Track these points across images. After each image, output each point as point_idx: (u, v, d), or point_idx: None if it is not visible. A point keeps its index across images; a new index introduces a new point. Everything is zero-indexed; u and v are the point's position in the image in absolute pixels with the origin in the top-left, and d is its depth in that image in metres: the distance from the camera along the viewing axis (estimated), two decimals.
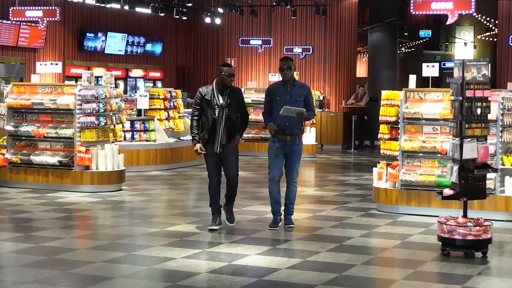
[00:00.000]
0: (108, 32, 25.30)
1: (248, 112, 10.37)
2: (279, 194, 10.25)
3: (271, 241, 9.45)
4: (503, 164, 11.11)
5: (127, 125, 17.08)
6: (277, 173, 10.14)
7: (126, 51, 26.19)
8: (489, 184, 10.46)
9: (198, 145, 9.95)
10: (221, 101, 9.86)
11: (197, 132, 9.97)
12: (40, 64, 15.71)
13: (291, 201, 10.31)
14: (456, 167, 8.64)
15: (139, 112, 18.57)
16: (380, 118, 12.00)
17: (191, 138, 10.17)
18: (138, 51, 26.77)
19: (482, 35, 42.21)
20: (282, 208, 10.35)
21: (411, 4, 19.04)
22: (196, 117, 10.00)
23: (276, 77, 24.01)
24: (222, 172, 10.17)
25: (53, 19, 20.95)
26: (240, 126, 10.07)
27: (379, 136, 12.06)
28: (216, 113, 9.84)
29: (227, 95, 9.90)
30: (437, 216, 9.25)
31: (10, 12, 20.97)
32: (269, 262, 8.32)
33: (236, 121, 9.95)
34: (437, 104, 11.61)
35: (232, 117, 9.89)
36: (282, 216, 10.32)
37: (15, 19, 21.13)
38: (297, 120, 10.02)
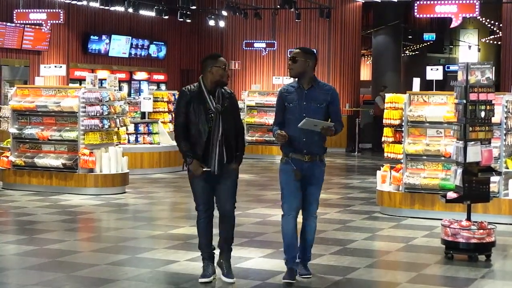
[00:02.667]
0: (112, 35, 25.35)
1: (243, 126, 7.87)
2: (295, 235, 7.58)
3: (275, 244, 9.44)
4: (507, 167, 11.10)
5: (131, 128, 17.10)
6: (294, 205, 7.47)
7: (130, 53, 26.23)
8: (493, 187, 10.44)
9: (197, 163, 7.31)
10: (215, 104, 7.32)
11: (187, 147, 7.34)
12: (44, 67, 15.72)
13: (309, 242, 7.71)
14: (460, 170, 8.63)
15: (143, 114, 18.60)
16: (384, 121, 11.99)
17: (182, 152, 7.44)
18: (142, 54, 26.80)
19: (486, 38, 42.20)
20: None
21: (415, 7, 19.07)
22: (183, 126, 7.36)
23: (280, 80, 24.05)
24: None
25: (57, 21, 20.99)
26: (240, 144, 7.58)
27: (383, 139, 12.05)
28: (214, 121, 7.32)
29: (219, 97, 7.40)
30: (441, 219, 9.24)
31: (14, 14, 21.01)
32: (273, 265, 8.32)
33: (233, 131, 7.45)
34: (441, 107, 11.60)
35: (230, 125, 7.39)
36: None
37: (19, 21, 21.18)
38: (319, 135, 7.37)
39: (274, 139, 7.71)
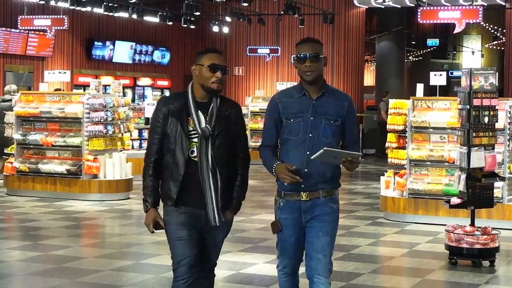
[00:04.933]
0: (116, 41, 25.39)
1: (248, 151, 5.38)
2: None
3: None
4: (510, 173, 11.10)
5: (135, 134, 17.13)
6: (291, 261, 5.44)
7: (134, 59, 26.27)
8: (497, 192, 10.45)
9: (152, 215, 5.12)
10: (203, 124, 5.04)
11: (150, 186, 5.12)
12: (49, 73, 15.75)
13: None
14: (463, 176, 8.64)
15: (147, 120, 18.61)
16: (387, 127, 12.00)
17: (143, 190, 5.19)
18: (146, 60, 26.84)
19: (489, 44, 42.20)
20: None
21: (419, 13, 19.09)
22: (154, 156, 5.13)
23: (284, 86, 24.07)
24: None
25: (61, 27, 21.02)
26: (239, 182, 5.23)
27: (386, 145, 12.06)
28: (195, 148, 5.05)
29: (213, 114, 5.09)
30: (445, 225, 9.25)
31: (19, 21, 21.05)
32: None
33: (229, 163, 5.14)
34: (445, 112, 11.61)
35: (224, 155, 5.08)
36: None
37: (23, 28, 21.22)
38: (332, 166, 5.22)
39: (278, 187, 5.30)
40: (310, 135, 5.14)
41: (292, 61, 5.37)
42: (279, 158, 5.22)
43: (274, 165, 5.13)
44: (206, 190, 5.02)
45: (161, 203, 5.16)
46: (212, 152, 5.01)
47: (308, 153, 5.08)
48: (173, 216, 5.10)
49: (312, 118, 5.15)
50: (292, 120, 5.17)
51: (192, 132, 5.01)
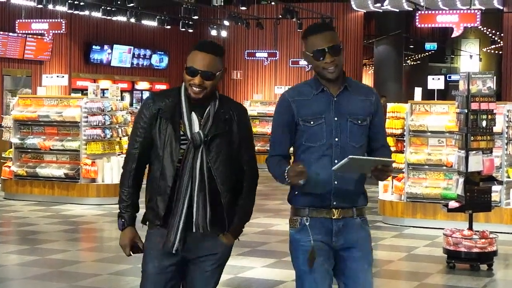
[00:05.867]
0: (114, 45, 25.39)
1: (256, 165, 4.41)
2: None
3: (277, 253, 9.45)
4: (508, 177, 11.11)
5: None
6: None
7: (132, 63, 26.27)
8: (495, 196, 10.46)
9: (129, 235, 4.38)
10: (195, 128, 4.13)
11: (128, 199, 4.35)
12: (46, 77, 15.76)
13: None
14: (461, 180, 8.64)
15: None
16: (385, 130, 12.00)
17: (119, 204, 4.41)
18: (144, 64, 26.85)
19: (487, 48, 42.27)
20: None
21: (417, 17, 19.11)
22: (135, 163, 4.27)
23: (282, 90, 24.03)
24: None
25: (59, 31, 21.02)
26: (243, 200, 4.32)
27: None
28: (184, 156, 4.12)
29: (209, 117, 4.17)
30: (443, 229, 9.25)
31: (16, 25, 21.05)
32: (275, 274, 8.33)
33: (229, 176, 4.20)
34: (443, 116, 11.62)
35: (222, 166, 4.16)
36: None
37: (21, 31, 21.22)
38: (360, 174, 4.28)
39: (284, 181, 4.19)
40: (336, 139, 4.15)
41: (304, 58, 4.28)
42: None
43: (287, 169, 4.09)
44: (178, 209, 4.07)
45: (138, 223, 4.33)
46: (202, 163, 4.07)
47: (336, 161, 4.09)
48: (151, 242, 4.26)
49: (336, 119, 4.17)
50: (311, 122, 4.18)
51: (184, 138, 4.10)
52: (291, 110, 4.22)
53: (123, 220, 4.33)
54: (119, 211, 4.33)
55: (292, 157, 4.32)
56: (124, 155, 4.38)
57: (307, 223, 4.21)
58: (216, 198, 4.11)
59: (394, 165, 11.59)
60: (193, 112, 4.13)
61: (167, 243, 4.11)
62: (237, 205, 4.23)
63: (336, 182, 4.15)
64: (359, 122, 4.23)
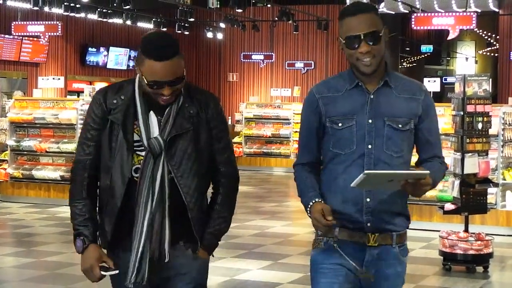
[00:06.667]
0: (110, 47, 25.40)
1: (236, 166, 3.59)
2: None
3: (273, 255, 9.44)
4: (504, 179, 11.12)
5: None
6: None
7: (128, 65, 26.28)
8: (490, 198, 10.46)
9: (94, 255, 3.40)
10: (154, 132, 3.37)
11: (84, 212, 3.42)
12: (42, 79, 15.75)
13: None
14: (457, 182, 8.64)
15: None
16: None
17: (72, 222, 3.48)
18: None
19: (483, 50, 42.32)
20: None
21: (413, 19, 19.13)
22: (87, 171, 3.44)
23: (278, 92, 24.04)
24: None
25: (55, 34, 21.04)
26: (219, 207, 3.51)
27: None
28: (142, 167, 3.36)
29: (169, 117, 3.38)
30: (439, 231, 9.25)
31: (12, 27, 21.06)
32: (271, 276, 8.32)
33: (199, 186, 3.41)
34: (439, 119, 11.53)
35: (184, 178, 3.37)
36: None
37: (17, 34, 21.22)
38: (399, 190, 3.36)
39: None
40: (370, 146, 3.38)
41: (339, 45, 3.45)
42: (322, 183, 3.47)
43: (311, 203, 3.34)
44: (136, 233, 3.33)
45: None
46: (163, 173, 3.34)
47: None
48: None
49: (370, 121, 3.39)
50: (340, 124, 3.42)
51: (138, 144, 3.36)
52: (318, 108, 3.48)
53: (82, 237, 3.38)
54: (74, 230, 3.40)
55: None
56: (73, 163, 3.50)
57: (334, 245, 3.42)
58: (184, 213, 3.37)
59: None
60: (151, 112, 3.36)
61: (127, 275, 3.39)
62: (212, 214, 3.47)
63: (368, 200, 3.37)
64: (400, 126, 3.42)
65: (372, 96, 3.42)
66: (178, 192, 3.35)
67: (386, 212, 3.40)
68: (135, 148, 3.36)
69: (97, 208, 3.46)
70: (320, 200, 3.35)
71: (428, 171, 3.24)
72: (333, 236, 3.40)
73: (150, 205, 3.33)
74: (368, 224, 3.38)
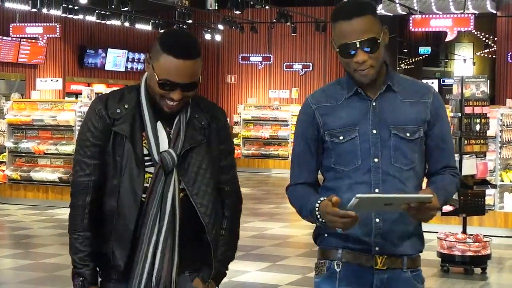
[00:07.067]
0: (109, 49, 25.39)
1: (239, 185, 3.26)
2: None
3: (271, 257, 9.45)
4: (502, 180, 11.13)
5: None
6: None
7: (126, 67, 26.28)
8: (488, 200, 10.47)
9: None
10: (164, 145, 2.97)
11: (86, 247, 2.98)
12: (41, 81, 15.75)
13: None
14: None
15: None
16: None
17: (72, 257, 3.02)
18: (139, 68, 26.86)
19: (481, 52, 42.34)
20: None
21: (411, 21, 19.16)
22: (89, 195, 2.99)
23: (276, 94, 24.06)
24: None
25: (53, 35, 21.04)
26: (226, 232, 3.17)
27: None
28: (152, 185, 2.95)
29: (180, 128, 2.99)
30: (437, 232, 9.26)
31: (11, 28, 21.06)
32: (269, 278, 8.33)
33: (212, 203, 3.02)
34: None
35: (200, 195, 2.98)
36: None
37: (15, 35, 21.22)
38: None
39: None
40: (376, 160, 2.99)
41: (333, 48, 3.05)
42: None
43: (318, 203, 2.89)
44: (140, 258, 2.93)
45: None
46: (174, 192, 2.94)
47: (376, 190, 2.98)
48: None
49: (374, 132, 3.00)
50: (341, 137, 3.02)
51: (147, 159, 2.96)
52: (315, 120, 3.06)
53: (81, 278, 2.98)
54: (73, 265, 3.00)
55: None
56: (70, 186, 3.05)
57: (337, 269, 3.04)
58: (194, 235, 3.01)
59: None
60: (159, 123, 2.97)
61: None
62: (218, 241, 3.09)
63: (377, 220, 2.99)
64: (408, 135, 3.01)
65: (374, 103, 3.02)
66: (189, 213, 2.96)
67: (397, 234, 3.02)
68: (146, 164, 2.96)
69: (103, 233, 2.99)
70: (324, 198, 2.88)
71: (431, 195, 2.81)
72: (337, 259, 3.03)
73: (157, 228, 2.93)
74: (377, 248, 3.00)
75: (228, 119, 2.63)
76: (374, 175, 2.98)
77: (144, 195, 2.93)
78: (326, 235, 3.06)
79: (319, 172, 3.12)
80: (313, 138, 3.06)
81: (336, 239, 3.01)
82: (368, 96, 3.02)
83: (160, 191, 2.92)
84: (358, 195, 2.70)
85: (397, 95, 3.04)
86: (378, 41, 2.96)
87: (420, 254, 3.21)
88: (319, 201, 2.88)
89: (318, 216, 2.88)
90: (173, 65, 2.86)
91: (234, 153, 3.20)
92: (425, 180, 3.13)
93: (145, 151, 2.95)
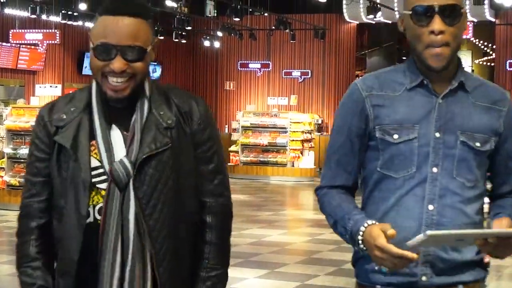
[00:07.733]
0: None
1: (230, 196, 2.50)
2: None
3: (269, 264, 9.44)
4: None
5: None
6: None
7: None
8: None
9: None
10: (118, 155, 2.34)
11: (36, 279, 2.39)
12: (40, 87, 15.77)
13: None
14: None
15: None
16: None
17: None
18: None
19: (479, 60, 42.40)
20: None
21: None
22: (37, 220, 2.43)
23: (275, 101, 24.11)
24: None
25: (53, 42, 21.06)
26: (210, 255, 2.58)
27: None
28: (105, 205, 2.33)
29: (135, 131, 2.35)
30: None
31: (10, 34, 21.08)
32: (268, 285, 8.32)
33: (172, 235, 2.37)
34: None
35: (154, 217, 2.34)
36: None
37: (15, 41, 21.25)
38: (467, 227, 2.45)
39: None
40: (435, 169, 2.43)
41: (400, 24, 2.48)
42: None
43: (365, 226, 2.31)
44: (104, 275, 2.33)
45: None
46: (137, 209, 2.34)
47: (431, 208, 2.42)
48: None
49: (438, 135, 2.44)
50: (396, 136, 2.44)
51: (99, 172, 2.38)
52: (365, 111, 2.47)
53: None
54: None
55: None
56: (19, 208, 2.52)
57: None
58: (174, 262, 2.42)
59: None
60: (113, 126, 2.40)
61: None
62: (201, 266, 2.59)
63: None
64: (478, 144, 2.45)
65: (441, 101, 2.45)
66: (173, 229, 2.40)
67: (451, 261, 2.47)
68: (94, 179, 2.36)
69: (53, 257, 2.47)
70: (375, 222, 2.30)
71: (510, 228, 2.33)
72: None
73: (120, 258, 2.32)
74: (423, 278, 2.42)
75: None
76: (429, 189, 2.42)
77: (99, 217, 2.35)
78: (368, 267, 2.47)
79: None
80: (358, 132, 2.47)
81: (379, 274, 2.45)
82: (435, 90, 2.45)
83: (117, 211, 2.32)
84: (429, 232, 2.14)
85: (469, 96, 2.47)
86: (462, 10, 2.40)
87: (481, 282, 2.71)
88: (365, 225, 2.30)
89: (360, 242, 2.31)
90: (108, 22, 2.32)
91: (221, 155, 2.49)
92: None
93: (97, 163, 2.36)
